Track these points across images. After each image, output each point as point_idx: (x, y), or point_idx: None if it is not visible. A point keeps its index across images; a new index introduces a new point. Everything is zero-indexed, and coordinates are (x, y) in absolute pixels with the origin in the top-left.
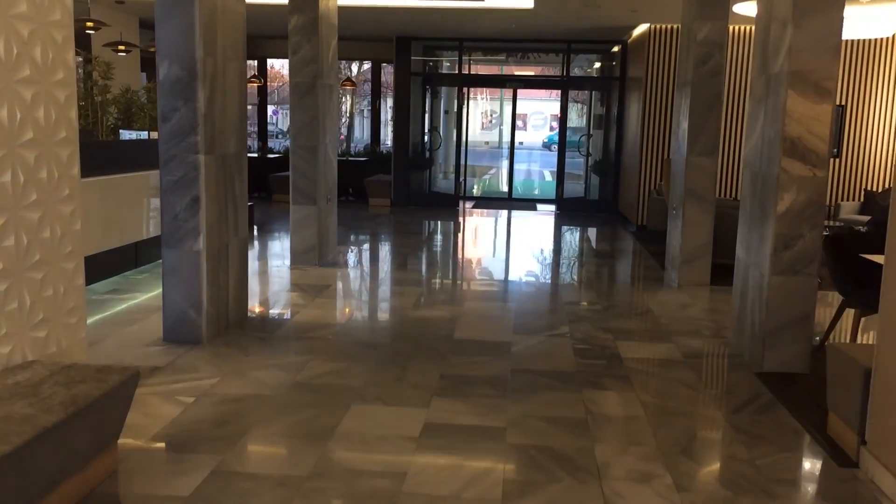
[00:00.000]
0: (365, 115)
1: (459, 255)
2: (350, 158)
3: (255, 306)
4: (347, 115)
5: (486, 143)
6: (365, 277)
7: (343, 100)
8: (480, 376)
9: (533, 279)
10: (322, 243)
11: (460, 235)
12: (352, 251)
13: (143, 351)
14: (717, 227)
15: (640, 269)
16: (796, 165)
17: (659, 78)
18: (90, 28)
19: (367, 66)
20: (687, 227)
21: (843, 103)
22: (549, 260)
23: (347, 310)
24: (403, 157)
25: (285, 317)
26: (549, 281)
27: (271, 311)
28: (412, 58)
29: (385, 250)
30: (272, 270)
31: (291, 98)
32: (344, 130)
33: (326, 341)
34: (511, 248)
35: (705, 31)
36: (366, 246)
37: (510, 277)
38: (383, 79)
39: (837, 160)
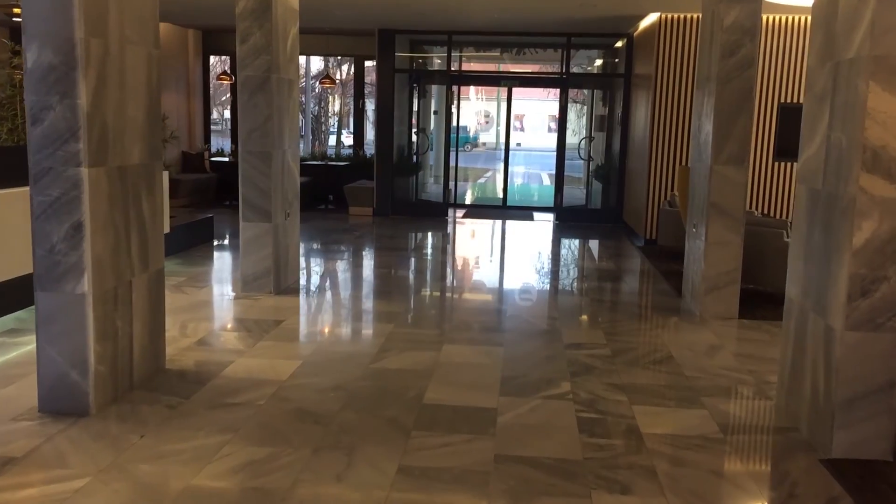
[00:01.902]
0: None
1: (443, 279)
2: (329, 163)
3: (176, 356)
4: (336, 115)
5: (483, 144)
6: (328, 309)
7: (330, 99)
8: (453, 469)
9: (527, 309)
10: (279, 267)
11: (446, 252)
12: (318, 274)
13: (7, 429)
14: (745, 247)
15: (652, 295)
16: (879, 184)
17: (671, 74)
18: None
19: (356, 63)
20: (711, 248)
21: None
22: (546, 284)
23: (295, 359)
24: (387, 161)
25: (213, 370)
26: (547, 313)
27: (197, 362)
28: (398, 54)
29: (358, 271)
30: (215, 302)
31: (240, 95)
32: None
33: (257, 410)
34: (503, 269)
35: (734, 15)
36: (337, 265)
37: (501, 307)
38: (369, 77)
39: None
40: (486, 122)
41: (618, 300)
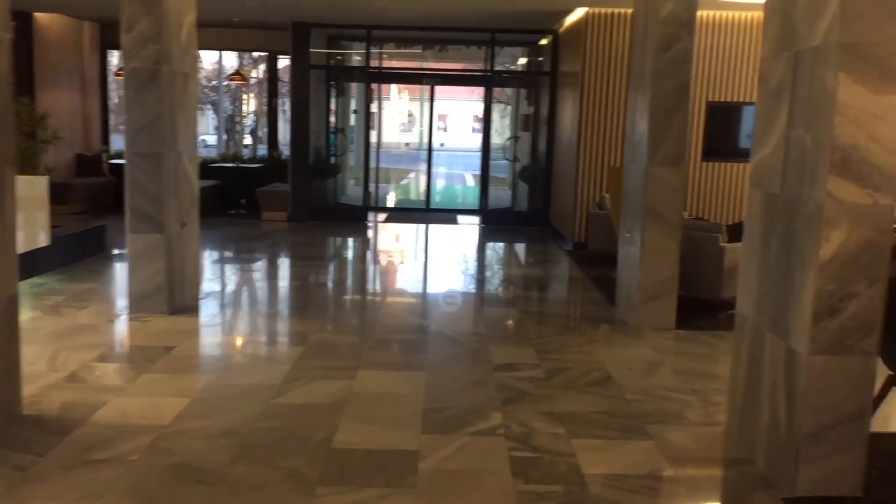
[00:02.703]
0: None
1: (362, 292)
2: (241, 165)
3: (37, 397)
4: (254, 114)
5: (406, 144)
6: (229, 331)
7: (245, 98)
8: None
9: (453, 325)
10: (173, 283)
11: (366, 261)
12: (222, 289)
13: None
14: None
15: (584, 304)
16: (850, 189)
17: (600, 72)
18: None
19: (269, 60)
20: (647, 256)
21: None
22: (472, 295)
23: (183, 396)
24: (303, 163)
25: (80, 415)
26: (474, 328)
27: (62, 405)
28: (313, 49)
29: (268, 285)
30: (96, 325)
31: (125, 90)
32: (248, 133)
33: (128, 468)
34: (427, 279)
35: (669, 7)
36: (244, 279)
37: (424, 322)
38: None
39: None
40: (409, 122)
41: (549, 311)
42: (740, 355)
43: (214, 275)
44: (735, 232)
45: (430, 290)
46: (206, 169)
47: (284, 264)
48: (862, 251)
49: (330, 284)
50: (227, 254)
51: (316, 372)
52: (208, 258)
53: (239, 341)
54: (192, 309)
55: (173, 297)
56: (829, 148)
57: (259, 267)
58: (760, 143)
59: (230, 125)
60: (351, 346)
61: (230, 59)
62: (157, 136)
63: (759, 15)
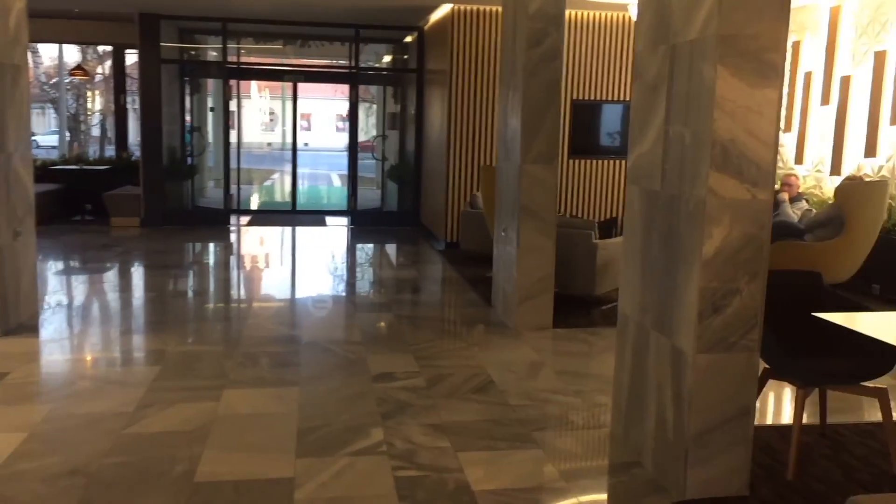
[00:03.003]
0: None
1: (225, 301)
2: (86, 167)
3: None
4: (101, 113)
5: (269, 144)
6: (73, 352)
7: (90, 95)
8: None
9: (326, 333)
10: (6, 300)
11: (229, 267)
12: (65, 305)
13: None
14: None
15: (460, 306)
16: (730, 184)
17: (467, 70)
18: None
19: (115, 54)
20: (523, 255)
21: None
22: (344, 300)
23: (18, 430)
24: (156, 164)
25: None
26: (348, 336)
27: None
28: (165, 43)
29: (119, 298)
30: None
31: None
32: (97, 131)
33: None
34: (295, 285)
35: (538, 3)
36: (93, 291)
37: (295, 332)
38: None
39: None
40: (272, 121)
41: (425, 314)
42: (624, 355)
43: (57, 289)
44: (606, 228)
45: (300, 296)
46: (45, 172)
47: (138, 274)
48: (743, 246)
49: (190, 294)
50: (73, 264)
51: (174, 394)
52: (50, 270)
53: (85, 363)
54: (31, 328)
55: (6, 315)
56: (708, 143)
57: (109, 278)
58: (638, 140)
59: (74, 124)
60: (214, 362)
61: (73, 54)
62: None
63: (620, 14)
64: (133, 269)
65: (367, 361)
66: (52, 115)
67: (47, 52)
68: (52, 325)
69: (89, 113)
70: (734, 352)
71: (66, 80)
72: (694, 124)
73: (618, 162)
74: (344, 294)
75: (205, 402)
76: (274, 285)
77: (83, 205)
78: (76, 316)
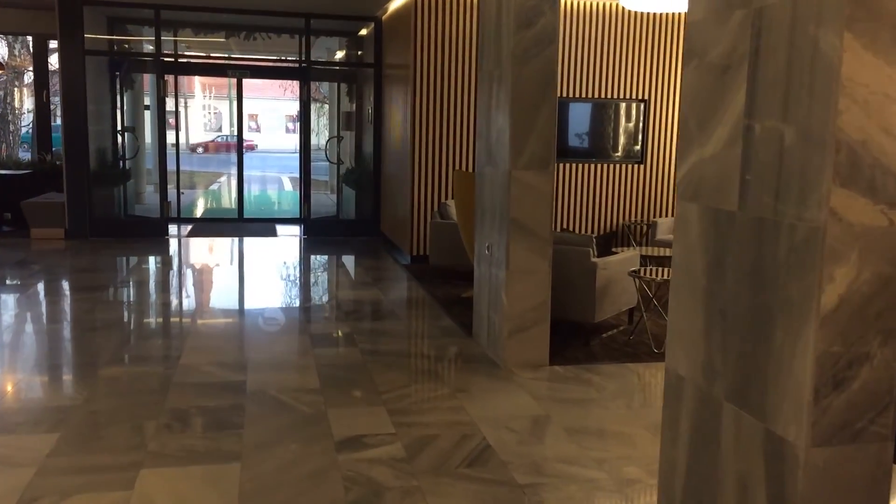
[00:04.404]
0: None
1: (152, 332)
2: (1, 172)
3: None
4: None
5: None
6: None
7: (17, 93)
8: None
9: (276, 378)
10: None
11: (160, 289)
12: None
13: None
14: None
15: (436, 336)
16: (859, 205)
17: (433, 63)
18: None
19: (35, 44)
20: (514, 279)
21: (647, 97)
22: (298, 332)
23: None
24: (82, 168)
25: None
26: (303, 381)
27: None
28: (91, 34)
29: (22, 330)
30: None
31: None
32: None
33: None
34: (241, 311)
35: None
36: None
37: (238, 377)
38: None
39: (642, 167)
40: (215, 120)
41: (395, 349)
42: (677, 429)
43: None
44: (605, 245)
45: (245, 326)
46: None
47: (52, 298)
48: (876, 294)
49: (112, 325)
50: None
51: (72, 479)
52: None
53: None
54: None
55: None
56: (828, 145)
57: (15, 304)
58: (696, 140)
59: (2, 125)
60: (131, 425)
61: None
62: None
63: (585, 2)
64: (47, 293)
65: (328, 418)
66: None
67: None
68: None
69: (17, 112)
70: (861, 442)
71: None
72: (802, 118)
73: (586, 166)
74: (297, 322)
75: (112, 491)
76: (214, 313)
77: (1, 214)
78: None
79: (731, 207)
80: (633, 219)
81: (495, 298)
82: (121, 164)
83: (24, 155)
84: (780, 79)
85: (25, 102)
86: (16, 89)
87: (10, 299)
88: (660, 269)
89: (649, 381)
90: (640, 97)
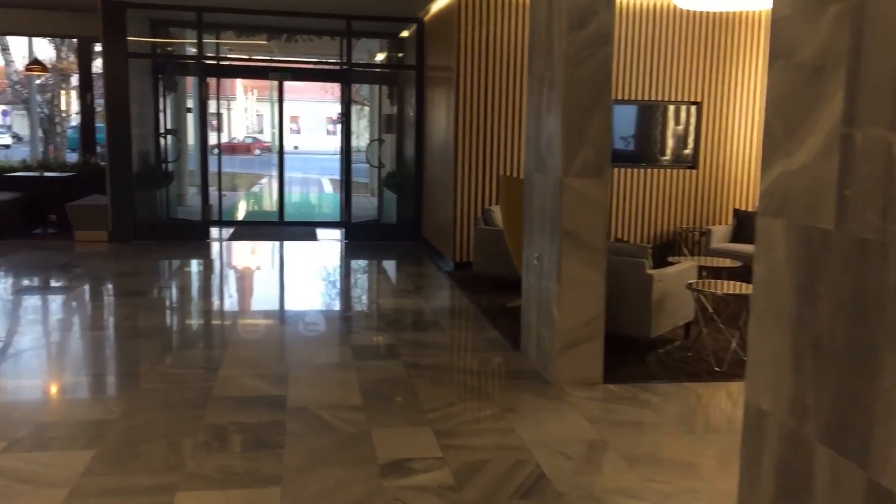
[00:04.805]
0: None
1: (191, 341)
2: (46, 174)
3: None
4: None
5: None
6: None
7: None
8: None
9: (317, 393)
10: None
11: (200, 295)
12: (3, 349)
13: None
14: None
15: (482, 350)
16: None
17: (477, 65)
18: None
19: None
20: (566, 292)
21: (700, 99)
22: (337, 340)
23: None
24: (125, 171)
25: None
26: (345, 397)
27: None
28: (134, 37)
29: (59, 338)
30: None
31: None
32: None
33: None
34: (282, 320)
35: None
36: (27, 329)
37: (279, 392)
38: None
39: (694, 172)
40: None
41: (440, 362)
42: (758, 468)
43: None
44: (661, 255)
45: (287, 336)
46: (3, 179)
47: (93, 304)
48: None
49: (151, 334)
50: (18, 290)
51: (108, 501)
52: None
53: None
54: None
55: None
56: None
57: (56, 310)
58: (782, 149)
59: (49, 127)
60: (169, 444)
61: (47, 50)
62: None
63: (634, 1)
64: (88, 298)
65: (371, 438)
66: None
67: (19, 49)
68: None
69: (63, 114)
70: None
71: (39, 80)
72: None
73: (633, 171)
74: (338, 332)
75: None
76: (255, 321)
77: (47, 216)
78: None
79: (827, 226)
80: (684, 226)
81: (545, 311)
82: (163, 166)
83: (71, 157)
84: (887, 82)
85: (72, 105)
86: (62, 92)
87: (51, 304)
88: (720, 282)
89: (711, 402)
90: (692, 99)
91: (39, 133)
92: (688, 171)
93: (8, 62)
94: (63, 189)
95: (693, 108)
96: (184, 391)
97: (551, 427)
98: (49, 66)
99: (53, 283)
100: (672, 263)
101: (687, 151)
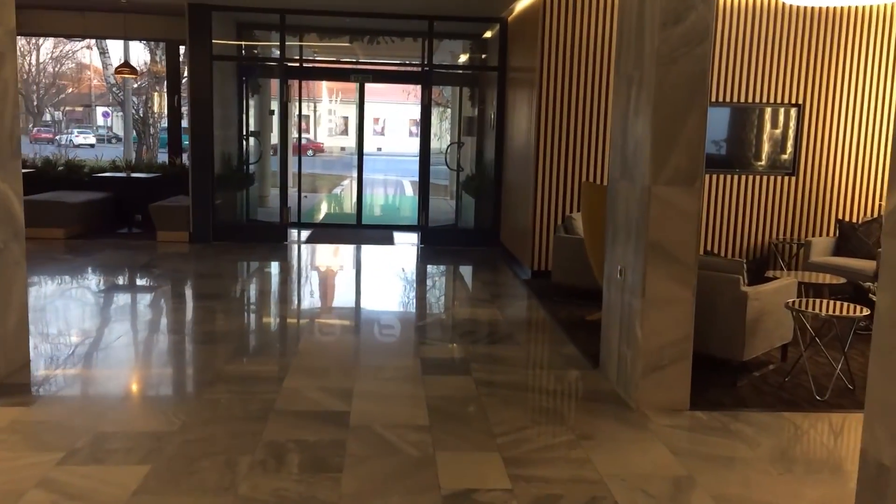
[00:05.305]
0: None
1: (259, 348)
2: (132, 174)
3: None
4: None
5: (343, 149)
6: (32, 437)
7: (156, 96)
8: None
9: (381, 409)
10: None
11: (273, 300)
12: (56, 357)
13: None
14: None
15: (557, 367)
16: None
17: (561, 66)
18: None
19: (168, 50)
20: (651, 309)
21: (800, 101)
22: (408, 351)
23: None
24: (206, 172)
25: None
26: (410, 416)
27: None
28: (219, 40)
29: (130, 341)
30: None
31: None
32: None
33: None
34: (351, 329)
35: None
36: (100, 334)
37: (342, 406)
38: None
39: (793, 179)
40: (341, 125)
41: (512, 380)
42: None
43: (62, 329)
44: (758, 271)
45: (356, 346)
46: (90, 179)
47: (168, 307)
48: None
49: (220, 339)
50: (98, 291)
51: None
52: (66, 299)
53: (46, 459)
54: (9, 389)
55: None
56: None
57: (131, 312)
58: None
59: (142, 128)
60: (225, 461)
61: (141, 53)
62: None
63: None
64: (164, 300)
65: (435, 464)
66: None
67: (115, 52)
68: (23, 390)
69: (156, 116)
70: None
71: (136, 83)
72: None
73: (724, 177)
74: (409, 343)
75: None
76: (324, 329)
77: (133, 215)
78: (62, 376)
79: None
80: (781, 237)
81: (627, 329)
82: (245, 168)
83: (163, 157)
84: None
85: (164, 107)
86: (156, 94)
87: (125, 306)
88: (824, 301)
89: (811, 436)
90: (791, 101)
91: (133, 134)
92: (786, 177)
93: (106, 65)
94: (149, 189)
95: (793, 111)
96: (246, 403)
97: (631, 458)
98: (144, 68)
99: (130, 284)
100: (769, 279)
101: (785, 157)
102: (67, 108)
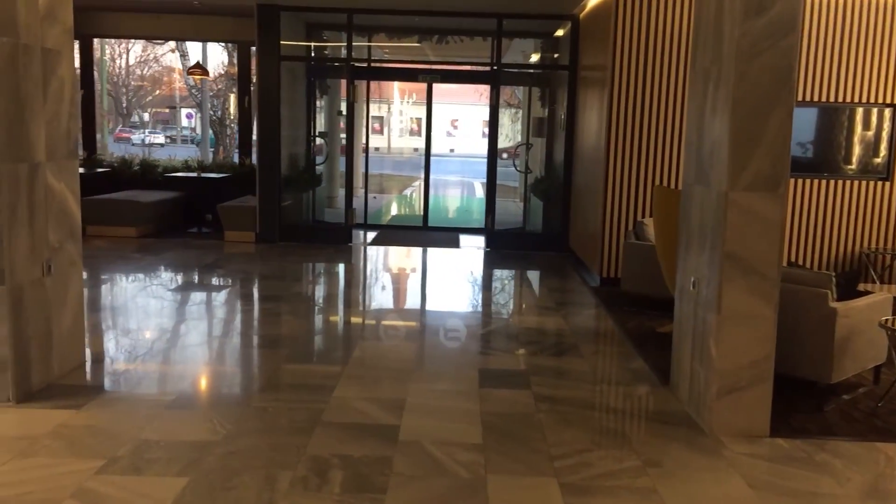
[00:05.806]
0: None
1: (311, 355)
2: (203, 174)
3: None
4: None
5: (415, 150)
6: (74, 442)
7: (232, 97)
8: None
9: (436, 424)
10: (29, 354)
11: (332, 303)
12: (128, 353)
13: None
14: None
15: (624, 384)
16: None
17: (634, 65)
18: None
19: (239, 51)
20: (728, 325)
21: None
22: (466, 362)
23: None
24: (273, 173)
25: None
26: (466, 434)
27: None
28: (287, 40)
29: (187, 343)
30: None
31: None
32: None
33: None
34: (410, 336)
35: None
36: (156, 335)
37: (392, 420)
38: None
39: (887, 184)
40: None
41: (575, 396)
42: None
43: (122, 330)
44: (849, 284)
45: (412, 354)
46: (163, 178)
47: (227, 308)
48: None
49: (275, 343)
50: (162, 290)
51: None
52: (129, 298)
53: (86, 467)
54: (61, 391)
55: (27, 375)
56: None
57: (190, 313)
58: None
59: (219, 128)
60: (266, 476)
61: (219, 55)
62: None
63: None
64: (225, 301)
65: (486, 488)
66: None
67: (194, 53)
68: (75, 392)
69: (232, 116)
70: None
71: (218, 85)
72: None
73: (810, 181)
74: (468, 352)
75: None
76: (381, 335)
77: (204, 215)
78: (113, 379)
79: None
80: (873, 247)
81: (701, 347)
82: (312, 169)
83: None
84: None
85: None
86: (232, 95)
87: (185, 307)
88: None
89: None
90: (887, 101)
91: (210, 134)
92: (879, 182)
93: (185, 68)
94: (219, 189)
95: (887, 111)
96: (293, 412)
97: (702, 491)
98: (222, 70)
99: (192, 284)
100: (861, 293)
101: (878, 160)
102: (155, 110)
